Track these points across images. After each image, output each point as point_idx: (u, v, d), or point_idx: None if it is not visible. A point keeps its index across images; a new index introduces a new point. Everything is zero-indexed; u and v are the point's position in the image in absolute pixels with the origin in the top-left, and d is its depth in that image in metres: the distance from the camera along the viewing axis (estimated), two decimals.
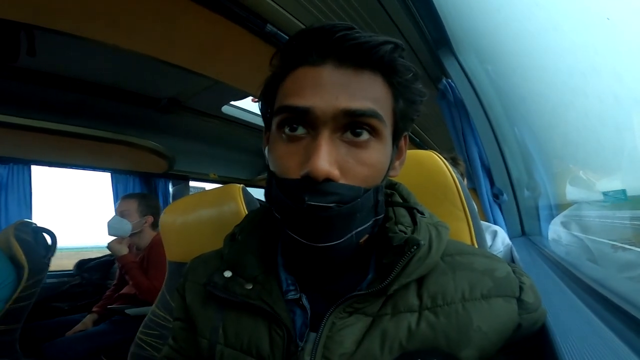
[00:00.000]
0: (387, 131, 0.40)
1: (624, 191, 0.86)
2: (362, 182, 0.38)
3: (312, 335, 0.40)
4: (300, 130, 0.39)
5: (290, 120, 0.39)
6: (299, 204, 0.36)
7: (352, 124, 0.38)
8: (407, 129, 0.46)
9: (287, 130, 0.39)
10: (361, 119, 0.38)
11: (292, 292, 0.44)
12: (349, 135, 0.38)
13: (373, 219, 0.41)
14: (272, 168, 0.42)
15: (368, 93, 0.38)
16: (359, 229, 0.39)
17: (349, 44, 0.37)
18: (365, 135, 0.39)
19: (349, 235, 0.38)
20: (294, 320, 0.43)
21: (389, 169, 0.43)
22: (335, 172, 0.36)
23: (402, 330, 0.38)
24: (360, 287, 0.42)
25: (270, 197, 0.43)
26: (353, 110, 0.37)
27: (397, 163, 0.47)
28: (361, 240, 0.41)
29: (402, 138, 0.46)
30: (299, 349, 0.40)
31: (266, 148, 0.47)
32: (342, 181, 0.37)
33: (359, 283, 0.43)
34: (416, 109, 0.44)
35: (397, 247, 0.40)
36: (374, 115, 0.38)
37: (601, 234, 0.98)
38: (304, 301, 0.43)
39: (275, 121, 0.41)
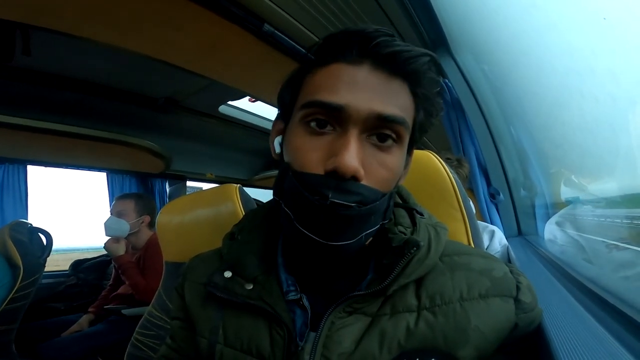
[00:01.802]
0: (407, 139, 0.41)
1: (578, 197, 1.14)
2: (381, 185, 0.39)
3: (312, 334, 0.40)
4: (328, 127, 0.39)
5: (319, 115, 0.39)
6: (322, 200, 0.36)
7: (381, 128, 0.38)
8: (420, 141, 0.46)
9: (313, 124, 0.39)
10: (391, 124, 0.38)
11: (293, 293, 0.44)
12: (374, 138, 0.39)
13: (381, 222, 0.41)
14: (288, 160, 0.41)
15: (398, 100, 0.39)
16: (369, 231, 0.40)
17: (388, 50, 0.38)
18: (390, 141, 0.39)
19: (360, 236, 0.39)
20: (294, 320, 0.43)
21: None
22: (362, 171, 0.37)
23: (400, 329, 0.38)
24: (359, 287, 0.42)
25: (281, 190, 0.42)
26: (386, 115, 0.38)
27: (403, 172, 0.47)
28: (367, 242, 0.41)
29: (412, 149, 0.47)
30: (299, 348, 0.40)
31: (276, 138, 0.47)
32: (363, 182, 0.37)
33: (358, 283, 0.43)
34: (431, 122, 0.45)
35: (397, 247, 0.40)
36: (402, 122, 0.39)
37: (598, 233, 0.98)
38: (305, 302, 0.43)
39: (300, 113, 0.40)
